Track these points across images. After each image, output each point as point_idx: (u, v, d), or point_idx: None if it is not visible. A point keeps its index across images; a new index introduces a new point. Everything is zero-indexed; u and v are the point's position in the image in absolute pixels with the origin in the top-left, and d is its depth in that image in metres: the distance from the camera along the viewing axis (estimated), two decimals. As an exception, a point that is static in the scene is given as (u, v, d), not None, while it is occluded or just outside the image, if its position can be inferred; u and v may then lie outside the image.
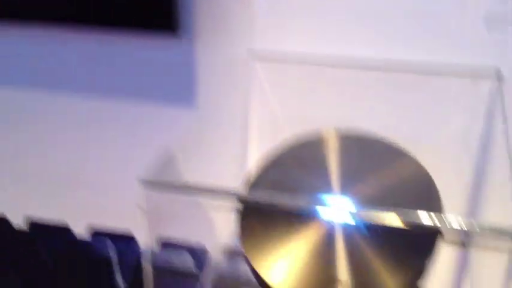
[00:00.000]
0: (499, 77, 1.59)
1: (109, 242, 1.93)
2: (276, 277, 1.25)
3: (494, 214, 1.64)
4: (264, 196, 1.32)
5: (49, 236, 1.97)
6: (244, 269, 2.04)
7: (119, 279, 1.89)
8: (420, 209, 1.18)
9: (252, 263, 1.29)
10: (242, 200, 1.38)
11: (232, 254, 1.95)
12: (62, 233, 2.02)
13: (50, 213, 2.16)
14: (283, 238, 1.30)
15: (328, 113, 1.77)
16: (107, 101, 2.08)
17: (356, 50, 1.72)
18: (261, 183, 1.46)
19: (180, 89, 1.96)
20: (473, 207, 1.78)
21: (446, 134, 1.70)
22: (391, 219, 1.15)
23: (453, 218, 1.11)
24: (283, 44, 1.78)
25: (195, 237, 1.92)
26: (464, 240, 1.76)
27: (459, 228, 1.08)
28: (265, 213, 1.34)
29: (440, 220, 1.12)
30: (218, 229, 2.00)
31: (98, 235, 2.01)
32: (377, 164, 1.47)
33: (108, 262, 1.87)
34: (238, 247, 1.95)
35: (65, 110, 2.15)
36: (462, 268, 1.84)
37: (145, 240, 1.94)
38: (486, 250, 1.53)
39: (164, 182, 1.17)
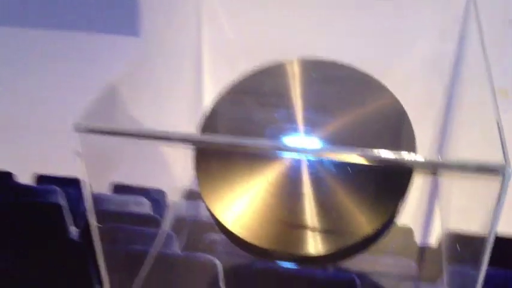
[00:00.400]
0: None
1: (57, 188, 1.81)
2: (230, 217, 1.17)
3: (465, 137, 1.59)
4: (220, 138, 1.16)
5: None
6: (205, 212, 2.06)
7: (71, 226, 1.77)
8: (393, 143, 1.10)
9: (207, 204, 1.21)
10: (197, 144, 1.24)
11: (192, 197, 1.85)
12: (4, 179, 1.89)
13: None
14: (241, 179, 1.20)
15: (290, 39, 1.66)
16: (45, 31, 1.92)
17: None
18: (219, 119, 1.34)
19: (122, 15, 1.83)
20: (443, 131, 1.74)
21: (416, 58, 1.62)
22: (360, 158, 1.00)
23: (420, 157, 0.98)
24: None
25: (152, 182, 1.85)
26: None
27: (428, 166, 0.99)
28: (223, 153, 1.23)
29: (411, 158, 0.98)
30: (176, 172, 1.90)
31: (45, 182, 1.88)
32: (345, 95, 1.33)
33: (57, 209, 1.73)
34: (197, 190, 1.96)
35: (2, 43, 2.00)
36: (431, 195, 1.86)
37: (98, 186, 1.85)
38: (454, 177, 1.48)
39: (102, 128, 1.02)
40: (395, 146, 1.09)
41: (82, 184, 1.98)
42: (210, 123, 1.33)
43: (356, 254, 1.18)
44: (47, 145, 2.10)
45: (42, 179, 1.94)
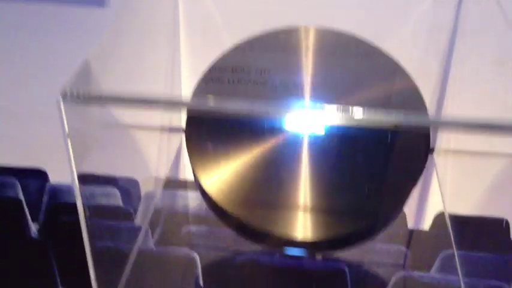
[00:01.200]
0: None
1: (16, 181, 1.65)
2: (237, 205, 1.08)
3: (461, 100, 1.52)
4: (214, 105, 1.02)
5: None
6: (183, 203, 1.94)
7: (29, 221, 1.60)
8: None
9: (199, 179, 1.12)
10: (190, 110, 1.15)
11: (168, 186, 1.76)
12: None
13: None
14: (235, 153, 1.12)
15: (273, 5, 1.52)
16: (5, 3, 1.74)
17: None
18: (213, 85, 1.22)
19: None
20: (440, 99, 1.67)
21: (414, 24, 1.55)
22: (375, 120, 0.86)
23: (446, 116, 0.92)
24: None
25: (123, 170, 1.72)
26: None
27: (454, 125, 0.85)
28: (217, 125, 1.15)
29: (433, 119, 0.97)
30: (151, 160, 1.80)
31: (3, 173, 1.72)
32: (354, 65, 1.22)
33: (15, 203, 1.57)
34: (175, 178, 1.84)
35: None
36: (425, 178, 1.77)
37: (61, 176, 1.71)
38: (450, 155, 1.42)
39: (92, 94, 0.97)
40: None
41: (47, 174, 1.87)
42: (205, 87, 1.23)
43: (351, 245, 1.11)
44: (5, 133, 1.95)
45: None
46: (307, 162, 1.09)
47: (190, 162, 1.19)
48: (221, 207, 1.11)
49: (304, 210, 1.07)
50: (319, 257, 1.57)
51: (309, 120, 1.07)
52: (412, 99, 1.12)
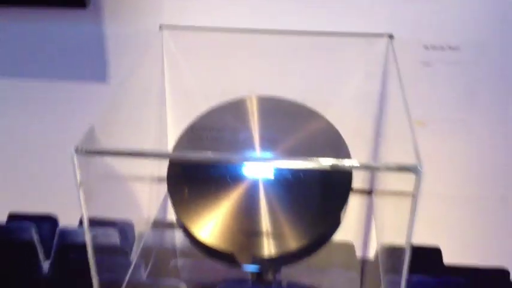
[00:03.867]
0: (390, 37, 1.58)
1: (30, 225, 1.64)
2: (204, 232, 1.19)
3: (390, 155, 1.63)
4: (193, 154, 1.23)
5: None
6: (171, 240, 1.97)
7: (43, 261, 1.62)
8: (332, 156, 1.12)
9: (183, 222, 1.22)
10: (172, 160, 1.31)
11: (158, 227, 1.81)
12: None
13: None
14: (208, 195, 1.23)
15: (237, 78, 1.65)
16: (15, 81, 1.83)
17: (258, 22, 1.61)
18: (186, 147, 1.35)
19: (92, 63, 1.74)
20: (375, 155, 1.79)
21: (348, 94, 1.66)
22: (308, 165, 1.08)
23: (357, 162, 1.09)
24: (190, 19, 1.65)
25: (120, 214, 1.75)
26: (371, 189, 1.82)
27: (367, 167, 1.05)
28: (194, 176, 1.27)
29: (349, 163, 1.09)
30: (143, 204, 1.82)
31: (18, 219, 1.74)
32: (291, 123, 1.37)
33: (30, 245, 1.60)
34: (163, 219, 1.88)
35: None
36: (368, 213, 1.89)
37: (69, 220, 1.77)
38: (388, 196, 1.53)
39: (99, 149, 1.10)
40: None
41: (57, 219, 1.92)
42: (179, 147, 1.36)
43: (305, 257, 1.21)
44: (19, 185, 2.01)
45: (14, 217, 1.80)
46: (262, 197, 1.22)
47: (171, 201, 1.27)
48: (193, 234, 1.20)
49: (260, 234, 1.18)
50: (284, 283, 1.67)
51: (262, 166, 1.24)
52: (338, 146, 1.29)
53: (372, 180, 1.82)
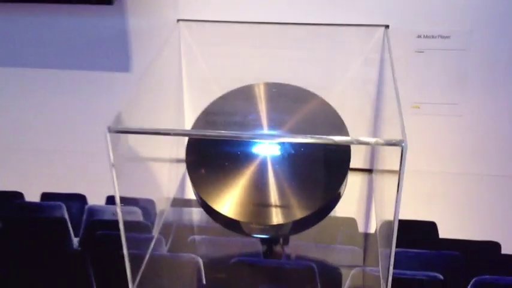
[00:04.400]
0: (386, 27, 1.65)
1: (62, 204, 1.79)
2: (219, 203, 1.28)
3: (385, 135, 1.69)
4: (209, 132, 1.33)
5: (2, 202, 1.84)
6: (189, 218, 1.99)
7: (72, 236, 1.74)
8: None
9: (200, 195, 1.30)
10: (190, 141, 1.39)
11: (177, 205, 1.89)
12: (15, 198, 1.87)
13: (3, 182, 2.01)
14: (225, 172, 1.32)
15: (247, 66, 1.74)
16: (48, 71, 1.94)
17: (267, 16, 1.69)
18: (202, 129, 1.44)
19: (116, 55, 1.84)
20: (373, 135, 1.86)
21: (348, 79, 1.75)
22: (309, 141, 1.15)
23: (352, 138, 1.13)
24: (205, 13, 1.74)
25: (143, 193, 1.79)
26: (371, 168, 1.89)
27: (360, 142, 1.11)
28: (209, 155, 1.36)
29: (345, 139, 1.16)
30: (163, 184, 1.88)
31: (50, 198, 1.87)
32: (296, 107, 1.46)
33: (61, 222, 1.72)
34: (182, 198, 1.91)
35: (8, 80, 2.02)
36: (369, 191, 1.96)
37: (95, 198, 1.88)
38: (386, 174, 1.58)
39: (130, 129, 1.18)
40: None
41: (86, 198, 2.01)
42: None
43: (309, 226, 1.30)
44: (52, 166, 2.10)
45: (47, 196, 1.93)
46: (271, 172, 1.30)
47: (189, 177, 1.35)
48: (210, 206, 1.29)
49: (269, 205, 1.27)
50: (293, 256, 1.75)
51: (270, 144, 1.33)
52: (338, 126, 1.38)
53: (372, 160, 1.89)
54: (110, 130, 1.10)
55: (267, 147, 1.34)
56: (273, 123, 1.39)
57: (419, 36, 1.65)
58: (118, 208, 1.21)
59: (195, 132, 1.43)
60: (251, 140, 1.33)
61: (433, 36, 1.64)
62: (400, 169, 1.03)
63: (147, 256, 1.49)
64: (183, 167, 1.46)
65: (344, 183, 1.31)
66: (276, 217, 1.26)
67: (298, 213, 1.25)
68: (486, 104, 1.75)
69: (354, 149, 1.33)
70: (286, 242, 1.56)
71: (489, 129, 1.79)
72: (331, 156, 1.32)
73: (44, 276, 1.50)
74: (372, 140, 1.15)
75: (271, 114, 1.42)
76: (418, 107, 1.73)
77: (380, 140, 1.13)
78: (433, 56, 1.67)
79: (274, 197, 1.28)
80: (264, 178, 1.30)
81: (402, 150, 1.02)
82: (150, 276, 1.41)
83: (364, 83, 1.73)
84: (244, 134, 1.28)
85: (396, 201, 1.07)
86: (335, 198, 1.31)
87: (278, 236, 1.46)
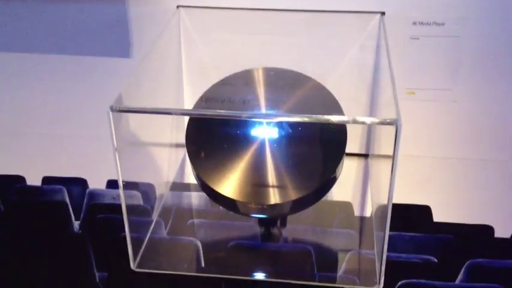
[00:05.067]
0: (382, 14, 1.66)
1: (63, 187, 1.80)
2: (218, 183, 1.29)
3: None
4: (209, 111, 1.34)
5: (4, 185, 1.85)
6: (188, 202, 1.98)
7: (73, 219, 1.75)
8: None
9: (200, 176, 1.31)
10: (190, 124, 1.38)
11: (176, 189, 1.90)
12: (16, 182, 1.87)
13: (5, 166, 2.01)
14: (224, 153, 1.33)
15: (246, 52, 1.77)
16: (50, 56, 1.97)
17: (264, 2, 1.71)
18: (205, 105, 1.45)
19: (117, 40, 1.87)
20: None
21: (345, 64, 1.77)
22: (305, 120, 1.18)
23: (347, 117, 1.16)
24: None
25: (143, 177, 1.80)
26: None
27: (356, 121, 1.11)
28: (208, 136, 1.37)
29: (340, 118, 1.19)
30: (163, 169, 1.90)
31: (51, 182, 1.86)
32: (293, 90, 1.48)
33: (62, 205, 1.72)
34: (181, 182, 1.92)
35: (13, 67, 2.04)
36: (365, 176, 2.00)
37: (95, 182, 1.89)
38: (382, 159, 1.60)
39: (132, 108, 1.16)
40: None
41: (87, 182, 2.01)
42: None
43: (309, 204, 1.32)
44: (53, 151, 2.11)
45: (48, 180, 1.93)
46: (268, 154, 1.32)
47: (189, 158, 1.35)
48: (209, 186, 1.29)
49: (267, 185, 1.28)
50: (289, 239, 1.76)
51: (268, 124, 1.33)
52: (333, 109, 1.38)
53: (368, 145, 1.91)
54: (113, 109, 1.10)
55: (265, 130, 1.35)
56: (270, 104, 1.40)
57: (414, 23, 1.67)
58: (120, 190, 1.22)
59: (195, 111, 1.43)
60: (249, 121, 1.34)
61: (428, 23, 1.65)
62: (394, 148, 1.04)
63: (147, 237, 1.50)
64: (182, 151, 1.47)
65: (340, 164, 1.32)
66: (274, 197, 1.28)
67: (295, 194, 1.27)
68: (480, 90, 1.77)
69: (350, 134, 1.34)
70: (283, 224, 1.57)
71: (482, 115, 1.81)
72: (327, 138, 1.33)
73: (45, 259, 1.51)
74: (367, 119, 1.16)
75: (269, 97, 1.42)
76: (413, 93, 1.74)
77: (375, 119, 1.15)
78: (428, 43, 1.69)
79: (271, 177, 1.29)
80: (262, 159, 1.31)
81: (397, 129, 1.03)
82: (150, 257, 1.42)
83: (360, 69, 1.74)
84: (243, 113, 1.29)
85: (391, 180, 1.08)
86: (332, 179, 1.32)
87: (276, 216, 1.47)
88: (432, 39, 1.68)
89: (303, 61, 1.63)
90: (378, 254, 1.31)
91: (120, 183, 1.20)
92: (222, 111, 1.30)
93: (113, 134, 1.11)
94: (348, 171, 1.38)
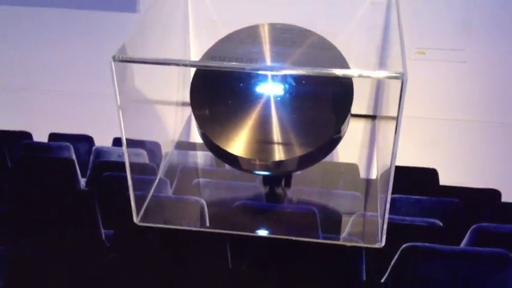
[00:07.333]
0: None
1: (70, 144, 1.78)
2: (225, 141, 1.26)
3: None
4: (213, 63, 1.29)
5: (11, 141, 1.84)
6: (193, 161, 1.96)
7: (79, 176, 1.73)
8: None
9: (205, 133, 1.28)
10: (194, 81, 1.34)
11: (182, 147, 1.87)
12: (23, 138, 1.84)
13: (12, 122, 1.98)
14: (228, 110, 1.30)
15: (253, 7, 1.67)
16: (48, 10, 1.91)
17: None
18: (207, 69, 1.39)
19: None
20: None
21: (353, 26, 1.68)
22: (311, 73, 1.14)
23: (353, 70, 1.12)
24: None
25: (149, 136, 1.76)
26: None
27: (361, 75, 1.08)
28: (213, 92, 1.32)
29: (350, 73, 1.14)
30: (169, 127, 1.85)
31: (57, 139, 1.84)
32: (300, 46, 1.42)
33: (68, 162, 1.71)
34: (186, 140, 1.89)
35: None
36: (372, 138, 1.92)
37: (103, 140, 1.87)
38: (389, 121, 1.54)
39: (134, 58, 1.11)
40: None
41: (92, 139, 2.00)
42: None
43: (313, 162, 1.29)
44: (60, 108, 2.10)
45: (55, 136, 1.91)
46: (274, 111, 1.28)
47: (194, 114, 1.32)
48: (214, 143, 1.26)
49: (272, 142, 1.25)
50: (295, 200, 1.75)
51: (274, 81, 1.28)
52: (340, 63, 1.33)
53: (376, 107, 1.85)
54: (115, 59, 1.06)
55: (270, 86, 1.30)
56: (276, 59, 1.35)
57: (426, -19, 1.58)
58: (124, 147, 1.19)
59: (198, 63, 1.39)
60: (254, 76, 1.28)
61: (440, -19, 1.56)
62: (399, 103, 1.00)
63: (151, 193, 1.48)
64: (187, 110, 1.43)
65: (346, 121, 1.27)
66: (278, 154, 1.24)
67: (300, 150, 1.24)
68: (491, 50, 1.70)
69: (358, 94, 1.28)
70: (288, 184, 1.54)
71: (493, 76, 1.75)
72: (333, 94, 1.28)
73: (51, 215, 1.50)
74: (373, 72, 1.11)
75: (275, 52, 1.37)
76: (423, 53, 1.68)
77: (381, 73, 1.11)
78: (440, 1, 1.60)
79: (276, 134, 1.25)
80: (267, 116, 1.27)
81: (402, 83, 1.00)
82: (155, 213, 1.42)
83: (370, 28, 1.66)
84: (248, 66, 1.24)
85: (395, 137, 1.04)
86: (337, 136, 1.27)
87: (280, 173, 1.44)
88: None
89: (311, 19, 1.56)
90: (381, 212, 1.28)
91: (124, 140, 1.17)
92: (227, 64, 1.25)
93: (115, 85, 1.07)
94: (355, 132, 1.36)
